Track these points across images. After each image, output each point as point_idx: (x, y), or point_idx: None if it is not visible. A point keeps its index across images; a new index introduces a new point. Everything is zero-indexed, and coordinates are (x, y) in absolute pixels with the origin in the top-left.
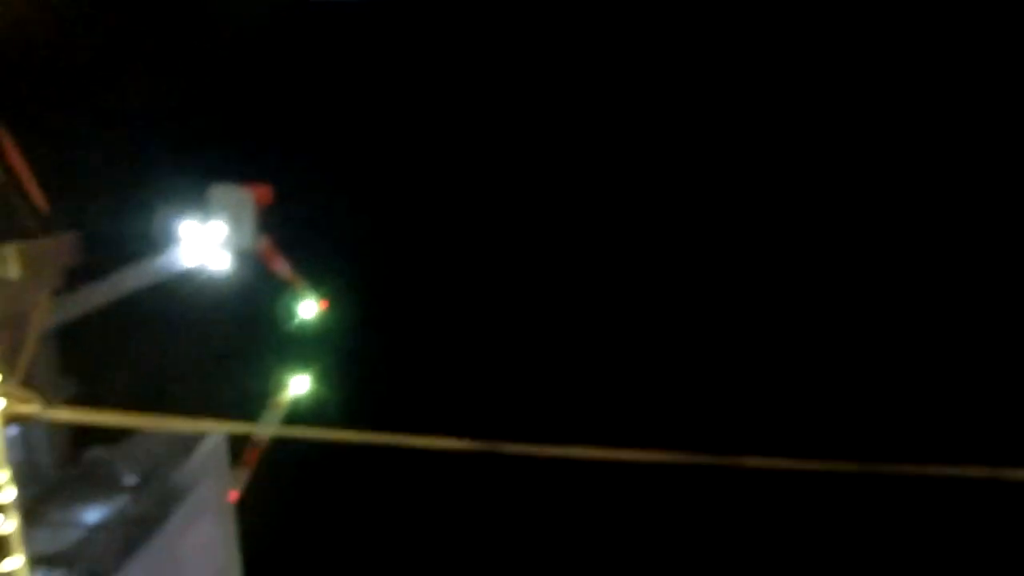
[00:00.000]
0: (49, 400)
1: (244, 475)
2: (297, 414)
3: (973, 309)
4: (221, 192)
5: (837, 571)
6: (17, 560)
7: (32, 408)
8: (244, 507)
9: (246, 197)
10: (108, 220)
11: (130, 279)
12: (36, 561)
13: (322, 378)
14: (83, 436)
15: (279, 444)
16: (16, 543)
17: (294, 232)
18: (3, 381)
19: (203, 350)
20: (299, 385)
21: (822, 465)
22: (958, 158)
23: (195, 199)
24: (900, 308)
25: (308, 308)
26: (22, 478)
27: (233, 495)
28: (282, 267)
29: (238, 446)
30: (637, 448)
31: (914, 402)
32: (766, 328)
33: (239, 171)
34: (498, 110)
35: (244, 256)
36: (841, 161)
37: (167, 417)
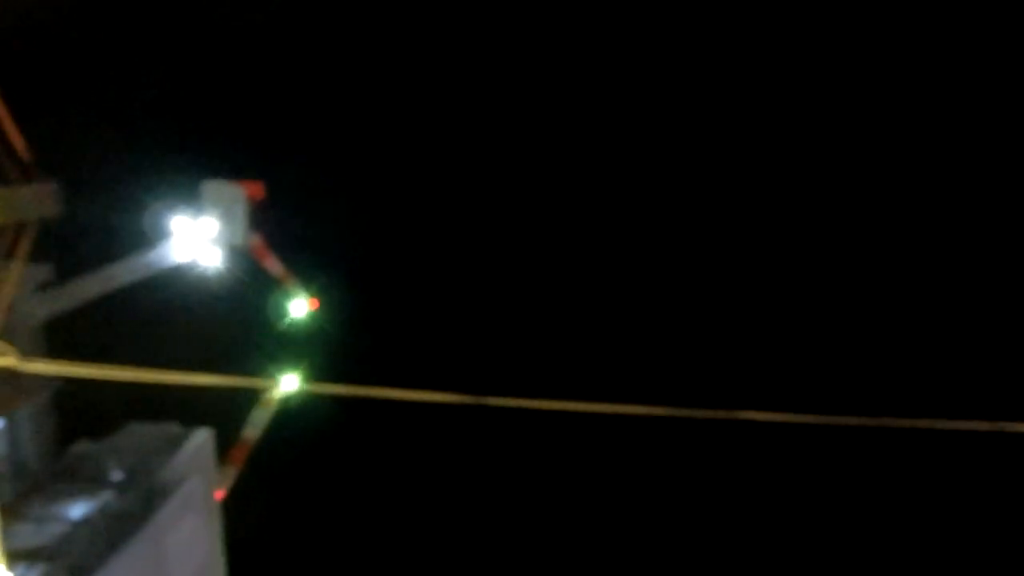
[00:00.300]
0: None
1: (231, 473)
2: (286, 412)
3: (969, 262)
4: (213, 188)
5: (834, 523)
6: None
7: (8, 361)
8: (230, 505)
9: (238, 193)
10: (91, 171)
11: (120, 274)
12: (17, 556)
13: (312, 377)
14: (69, 430)
15: (267, 443)
16: None
17: (287, 230)
18: None
19: (192, 346)
20: (289, 383)
21: (817, 419)
22: (932, 125)
23: (188, 195)
24: (898, 262)
25: (299, 306)
26: (6, 472)
27: (219, 493)
28: (273, 264)
29: (225, 444)
30: (634, 403)
31: (912, 356)
32: (763, 281)
33: (232, 167)
34: (487, 109)
35: (235, 252)
36: (816, 124)
37: (151, 371)
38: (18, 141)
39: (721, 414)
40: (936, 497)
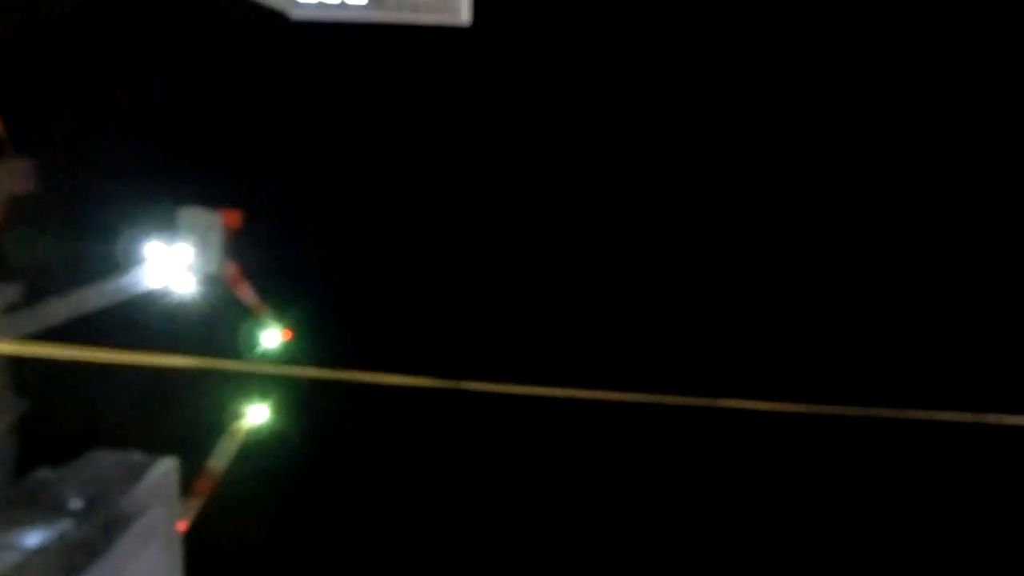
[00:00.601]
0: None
1: (195, 505)
2: (255, 444)
3: (951, 251)
4: (190, 215)
5: (810, 510)
6: None
7: None
8: (193, 538)
9: (215, 221)
10: (67, 151)
11: (91, 298)
12: None
13: (281, 409)
14: (29, 456)
15: (234, 476)
16: None
17: (263, 260)
18: None
19: (161, 374)
20: (257, 415)
21: (798, 407)
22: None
23: (164, 220)
24: (880, 254)
25: (271, 337)
26: None
27: (182, 524)
28: (247, 294)
29: (191, 474)
30: (619, 390)
31: (893, 347)
32: (746, 272)
33: (211, 195)
34: (460, 139)
35: (209, 281)
36: (798, 115)
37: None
38: None
39: (703, 401)
40: (917, 486)
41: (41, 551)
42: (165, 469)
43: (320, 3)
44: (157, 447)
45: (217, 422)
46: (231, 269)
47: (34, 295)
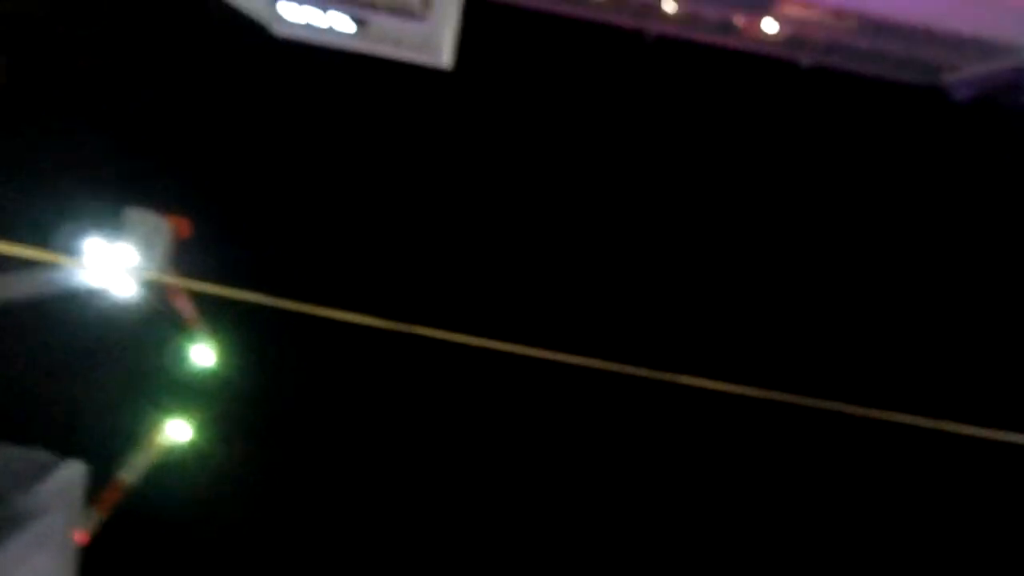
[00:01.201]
0: None
1: (98, 516)
2: (172, 463)
3: (924, 247)
4: (137, 216)
5: (759, 491)
6: None
7: None
8: (90, 553)
9: (163, 226)
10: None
11: (17, 284)
12: None
13: (205, 428)
14: None
15: (144, 490)
16: None
17: (207, 273)
18: None
19: (84, 373)
20: (178, 431)
21: (755, 391)
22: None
23: (109, 218)
24: (853, 243)
25: (203, 354)
26: None
27: (82, 536)
28: (185, 305)
29: (98, 484)
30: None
31: (859, 342)
32: (718, 252)
33: (164, 200)
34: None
35: (149, 287)
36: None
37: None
38: None
39: (662, 375)
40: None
41: None
42: (72, 473)
43: (307, 25)
44: (65, 449)
45: (135, 433)
46: (172, 277)
47: None
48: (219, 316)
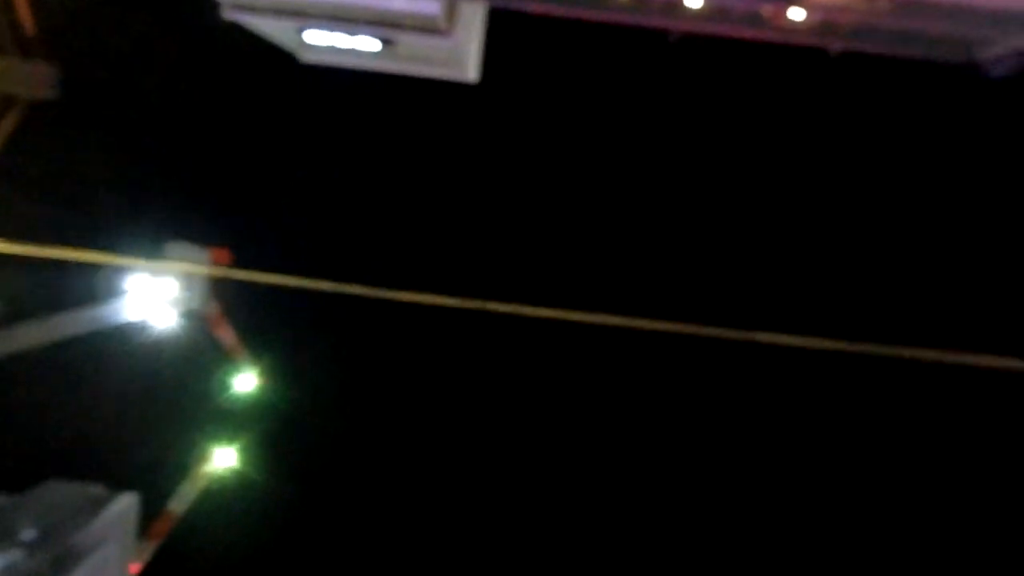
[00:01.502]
0: None
1: (150, 547)
2: (219, 490)
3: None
4: (178, 249)
5: (833, 444)
6: None
7: None
8: None
9: (203, 258)
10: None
11: (67, 324)
12: None
13: (250, 455)
14: None
15: (195, 521)
16: None
17: (248, 303)
18: None
19: (131, 406)
20: (224, 458)
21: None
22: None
23: (151, 251)
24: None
25: (246, 382)
26: None
27: (135, 567)
28: (227, 335)
29: (149, 515)
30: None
31: (910, 288)
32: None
33: (202, 232)
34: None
35: (191, 318)
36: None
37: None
38: (26, 16)
39: (738, 335)
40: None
41: None
42: (124, 505)
43: (331, 48)
44: (116, 481)
45: (183, 462)
46: (214, 309)
47: (11, 317)
48: (259, 344)
